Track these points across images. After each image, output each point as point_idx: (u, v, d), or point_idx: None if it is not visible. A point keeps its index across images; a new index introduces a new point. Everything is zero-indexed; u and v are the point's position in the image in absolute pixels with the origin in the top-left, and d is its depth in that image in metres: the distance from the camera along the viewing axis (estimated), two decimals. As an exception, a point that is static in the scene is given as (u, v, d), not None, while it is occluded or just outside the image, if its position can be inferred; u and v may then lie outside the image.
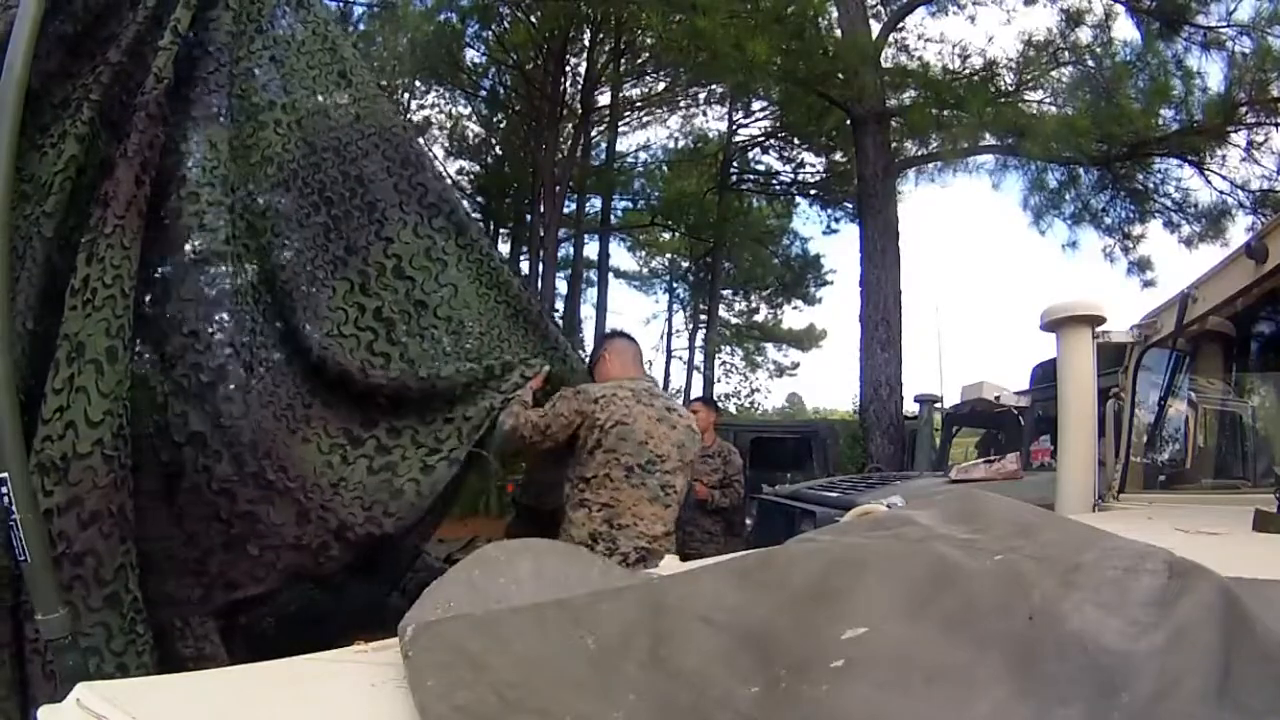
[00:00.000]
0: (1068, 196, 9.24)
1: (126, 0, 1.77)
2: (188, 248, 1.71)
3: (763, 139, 15.46)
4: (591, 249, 16.73)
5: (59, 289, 1.51)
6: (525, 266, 16.41)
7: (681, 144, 16.93)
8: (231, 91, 1.90)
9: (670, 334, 20.66)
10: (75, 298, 1.48)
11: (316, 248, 1.98)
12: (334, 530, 1.76)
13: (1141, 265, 9.17)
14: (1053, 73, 8.52)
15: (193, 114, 1.81)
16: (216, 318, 1.74)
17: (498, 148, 16.79)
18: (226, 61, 1.89)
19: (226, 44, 1.90)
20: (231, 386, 1.69)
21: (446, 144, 16.81)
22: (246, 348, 1.76)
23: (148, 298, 1.71)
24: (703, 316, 19.37)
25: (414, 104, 16.22)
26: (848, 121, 9.11)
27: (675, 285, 20.87)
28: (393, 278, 2.06)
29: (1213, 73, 7.81)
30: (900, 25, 9.22)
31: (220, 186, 1.78)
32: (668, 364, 20.29)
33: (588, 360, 2.58)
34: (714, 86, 13.94)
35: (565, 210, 15.11)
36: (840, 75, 8.21)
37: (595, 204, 16.39)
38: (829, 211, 15.71)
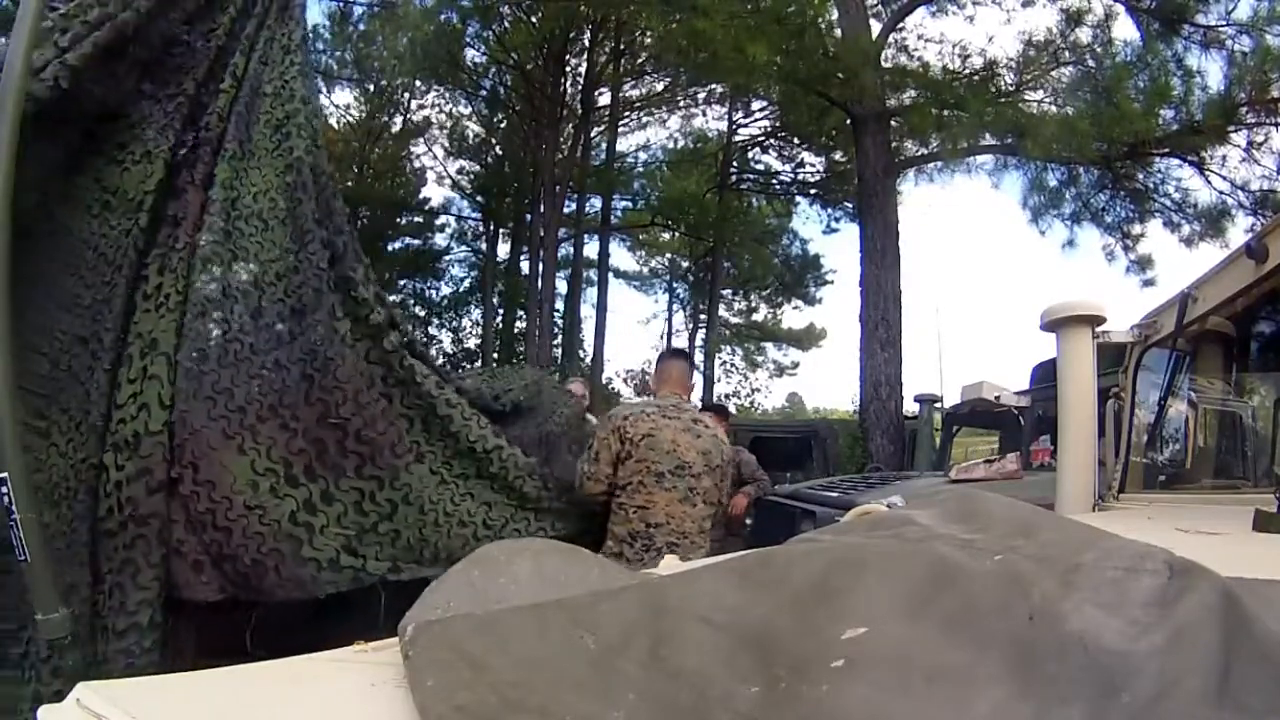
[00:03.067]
0: (1067, 196, 9.24)
1: (196, 34, 1.93)
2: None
3: (763, 139, 15.46)
4: (591, 249, 16.73)
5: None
6: (525, 266, 16.43)
7: (681, 144, 16.96)
8: (259, 109, 2.01)
9: (670, 334, 20.65)
10: (148, 301, 1.68)
11: (324, 250, 2.01)
12: (214, 556, 1.70)
13: (1141, 264, 9.17)
14: (1053, 73, 8.53)
15: (225, 146, 1.94)
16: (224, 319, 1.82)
17: (498, 148, 16.79)
18: (269, 93, 2.04)
19: (265, 69, 2.04)
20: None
21: (446, 144, 16.85)
22: (259, 352, 1.83)
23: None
24: (703, 316, 19.37)
25: (414, 104, 16.27)
26: (848, 121, 9.11)
27: (675, 285, 20.87)
28: (368, 283, 2.07)
29: (1213, 73, 7.83)
30: (900, 25, 9.22)
31: (227, 205, 1.89)
32: (668, 364, 20.24)
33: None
34: (714, 87, 13.94)
35: (565, 210, 15.11)
36: (840, 75, 8.20)
37: (595, 204, 16.40)
38: (829, 211, 15.73)
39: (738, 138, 15.94)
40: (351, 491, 1.87)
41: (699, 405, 3.47)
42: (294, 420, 1.85)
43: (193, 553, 1.69)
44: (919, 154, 9.59)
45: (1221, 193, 8.20)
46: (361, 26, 13.94)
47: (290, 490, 1.80)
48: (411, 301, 18.15)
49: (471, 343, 18.42)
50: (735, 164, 16.06)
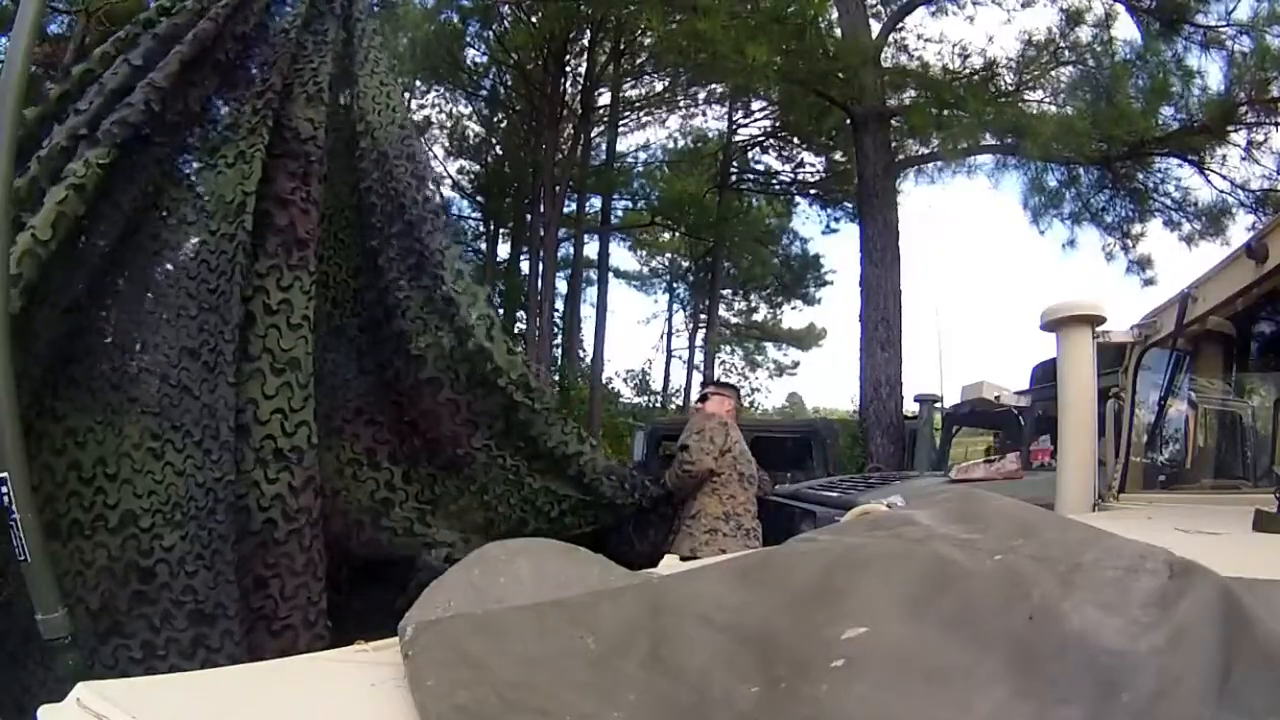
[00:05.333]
0: (1067, 196, 9.23)
1: (272, 32, 1.98)
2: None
3: (763, 139, 15.44)
4: (591, 249, 16.70)
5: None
6: (525, 266, 16.41)
7: (681, 144, 16.91)
8: (333, 123, 2.06)
9: (670, 334, 20.64)
10: (275, 316, 1.74)
11: (398, 257, 2.09)
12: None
13: (1141, 264, 9.16)
14: (1053, 73, 8.51)
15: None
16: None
17: (498, 148, 16.76)
18: (346, 99, 2.13)
19: (338, 81, 2.10)
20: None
21: (447, 144, 16.79)
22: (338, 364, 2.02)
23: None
24: (703, 316, 19.35)
25: (414, 104, 16.22)
26: (848, 121, 9.10)
27: (675, 285, 20.84)
28: (470, 281, 2.14)
29: (1213, 72, 7.79)
30: (900, 25, 9.21)
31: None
32: (668, 364, 20.28)
33: (701, 393, 3.55)
34: (714, 87, 13.92)
35: (565, 210, 15.08)
36: (840, 75, 8.20)
37: (595, 204, 16.37)
38: (829, 211, 15.71)
39: (738, 138, 15.93)
40: (426, 476, 2.09)
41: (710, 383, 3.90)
42: (380, 415, 2.07)
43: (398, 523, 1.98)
44: (919, 154, 9.58)
45: (1221, 192, 8.20)
46: (361, 26, 13.90)
47: (372, 474, 2.03)
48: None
49: (471, 343, 18.35)
50: (735, 164, 16.04)
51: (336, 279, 2.04)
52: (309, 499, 1.67)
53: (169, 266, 1.76)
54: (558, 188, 14.25)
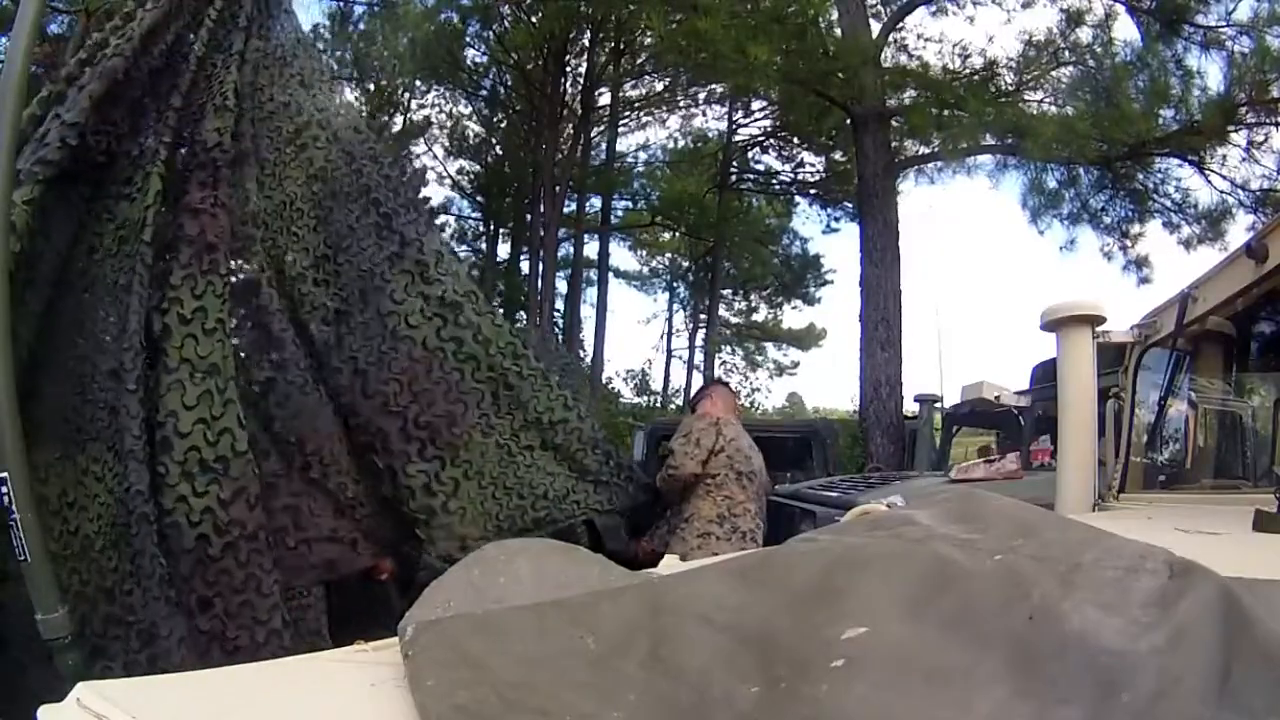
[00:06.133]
0: (1067, 196, 9.22)
1: (176, 55, 1.99)
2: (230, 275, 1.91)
3: (763, 139, 15.44)
4: (591, 249, 16.70)
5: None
6: (525, 266, 16.41)
7: (681, 144, 16.91)
8: (268, 127, 2.09)
9: (670, 334, 20.63)
10: (191, 325, 1.72)
11: (373, 246, 2.09)
12: (366, 530, 1.92)
13: (1139, 264, 9.16)
14: (1053, 73, 8.51)
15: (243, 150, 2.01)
16: (260, 335, 1.93)
17: (498, 148, 16.75)
18: (262, 102, 2.09)
19: (264, 84, 2.10)
20: (279, 394, 1.89)
21: (447, 144, 16.79)
22: (291, 362, 1.93)
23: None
24: (703, 316, 19.34)
25: (414, 104, 16.23)
26: (848, 121, 9.09)
27: (675, 285, 20.84)
28: (451, 260, 2.19)
29: (1213, 73, 7.79)
30: (900, 25, 9.20)
31: (250, 223, 1.97)
32: (668, 364, 20.27)
33: (692, 398, 3.45)
34: (714, 87, 13.91)
35: (565, 210, 15.08)
36: (840, 75, 8.19)
37: (595, 204, 16.37)
38: (829, 211, 15.70)
39: (738, 138, 15.92)
40: (419, 475, 2.01)
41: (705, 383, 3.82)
42: (354, 415, 2.01)
43: (347, 533, 1.88)
44: (919, 154, 9.57)
45: (1222, 192, 8.20)
46: (361, 26, 13.91)
47: (374, 467, 1.99)
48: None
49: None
50: (735, 164, 16.04)
51: (293, 272, 2.01)
52: (241, 510, 1.62)
53: (98, 295, 1.78)
54: (558, 188, 14.25)
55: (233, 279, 1.86)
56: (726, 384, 4.05)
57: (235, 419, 1.68)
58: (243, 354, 1.86)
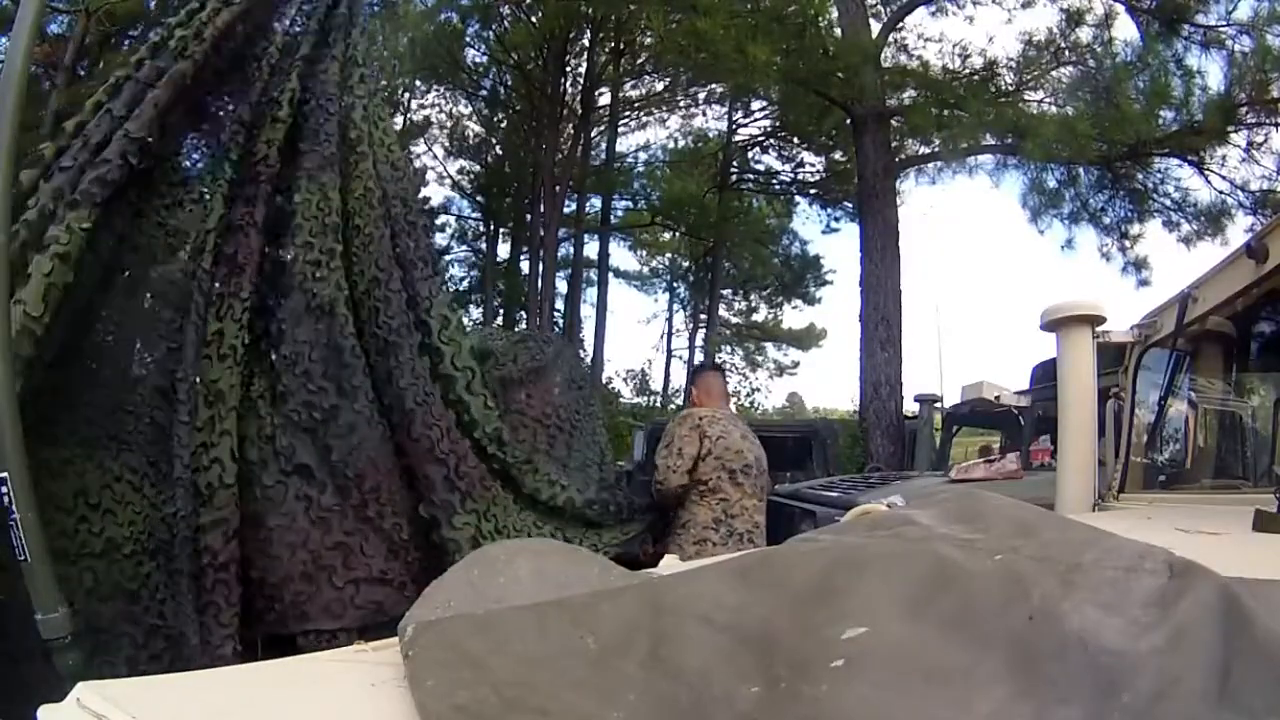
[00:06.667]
0: (1067, 196, 9.22)
1: (249, 62, 1.97)
2: (302, 296, 1.87)
3: (763, 139, 15.44)
4: (591, 249, 16.70)
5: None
6: (525, 266, 16.40)
7: (681, 144, 16.92)
8: (341, 138, 2.04)
9: (670, 334, 20.64)
10: (209, 348, 1.71)
11: (394, 289, 2.02)
12: (414, 574, 1.86)
13: (1138, 264, 9.16)
14: (1053, 73, 8.51)
15: (304, 165, 1.95)
16: (330, 360, 1.88)
17: (498, 148, 16.75)
18: (335, 111, 2.05)
19: (334, 94, 2.06)
20: (342, 424, 1.84)
21: (447, 144, 16.78)
22: (360, 390, 1.88)
23: (263, 339, 1.88)
24: (703, 316, 19.34)
25: (414, 104, 16.23)
26: (848, 121, 9.10)
27: (675, 285, 20.85)
28: (455, 331, 2.09)
29: (1213, 73, 7.79)
30: (900, 25, 9.20)
31: (332, 235, 1.93)
32: (668, 364, 20.28)
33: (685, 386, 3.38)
34: (714, 86, 13.91)
35: (565, 210, 15.08)
36: (840, 75, 8.19)
37: (595, 204, 16.37)
38: (829, 211, 15.69)
39: (738, 138, 15.92)
40: (465, 528, 1.93)
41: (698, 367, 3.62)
42: (403, 456, 1.92)
43: (398, 576, 1.83)
44: (919, 154, 9.58)
45: (1221, 193, 8.19)
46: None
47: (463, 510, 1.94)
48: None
49: (471, 342, 18.38)
50: (735, 164, 16.04)
51: (357, 294, 1.94)
52: (216, 540, 1.61)
53: (141, 303, 1.77)
54: (558, 188, 14.25)
55: (312, 302, 1.83)
56: (718, 367, 3.83)
57: (228, 451, 1.67)
58: (305, 375, 1.81)
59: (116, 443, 1.65)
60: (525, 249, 16.55)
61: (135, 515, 1.61)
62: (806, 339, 20.90)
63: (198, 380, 1.68)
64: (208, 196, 1.79)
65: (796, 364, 21.60)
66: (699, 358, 19.29)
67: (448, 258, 18.62)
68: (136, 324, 1.75)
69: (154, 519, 1.62)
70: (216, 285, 1.75)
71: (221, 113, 1.91)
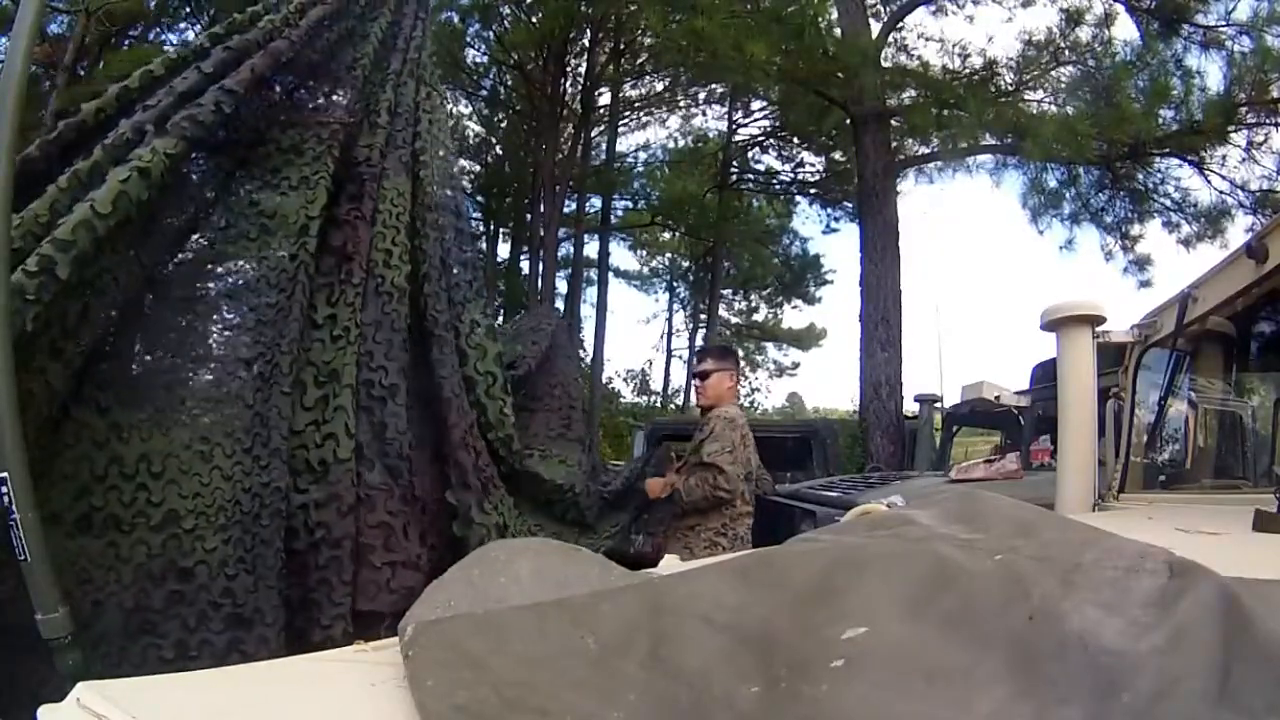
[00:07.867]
0: (1067, 196, 9.23)
1: (339, 65, 2.08)
2: (371, 280, 1.92)
3: (763, 139, 15.43)
4: (591, 249, 16.70)
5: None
6: (525, 266, 16.40)
7: (681, 144, 16.92)
8: (412, 149, 2.15)
9: (670, 334, 20.68)
10: (321, 331, 1.78)
11: (444, 293, 2.10)
12: (434, 566, 1.84)
13: (1139, 264, 9.17)
14: (1053, 72, 8.51)
15: (387, 166, 2.07)
16: (392, 342, 1.92)
17: (498, 148, 16.76)
18: (411, 123, 2.18)
19: (411, 108, 2.20)
20: (399, 403, 1.87)
21: (447, 143, 16.78)
22: (417, 372, 1.94)
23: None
24: (703, 316, 19.35)
25: (414, 104, 16.20)
26: (848, 121, 9.10)
27: (675, 285, 20.87)
28: (484, 337, 2.15)
29: (1213, 73, 7.80)
30: (900, 25, 9.20)
31: (404, 230, 2.03)
32: (668, 364, 20.31)
33: (695, 370, 3.13)
34: (714, 86, 13.91)
35: (565, 210, 15.08)
36: (840, 75, 8.20)
37: (595, 204, 16.36)
38: (829, 211, 15.69)
39: (738, 138, 15.92)
40: (488, 516, 1.98)
41: (717, 352, 3.37)
42: (442, 443, 1.97)
43: (426, 564, 1.82)
44: (919, 154, 9.58)
45: (1221, 193, 8.20)
46: (362, 26, 13.88)
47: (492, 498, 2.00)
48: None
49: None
50: (735, 164, 16.03)
51: (414, 287, 2.02)
52: (330, 515, 1.63)
53: (227, 279, 1.80)
54: (558, 188, 14.24)
55: (380, 286, 1.89)
56: (735, 352, 3.42)
57: (343, 426, 1.70)
58: (368, 355, 1.85)
59: (193, 411, 1.65)
60: (525, 249, 16.56)
61: (202, 486, 1.57)
62: (806, 339, 20.93)
63: (307, 361, 1.71)
64: (310, 185, 1.84)
65: (796, 364, 21.67)
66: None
67: (447, 258, 18.66)
68: (216, 297, 1.78)
69: (226, 490, 1.58)
70: (327, 275, 1.81)
71: (315, 109, 1.99)
